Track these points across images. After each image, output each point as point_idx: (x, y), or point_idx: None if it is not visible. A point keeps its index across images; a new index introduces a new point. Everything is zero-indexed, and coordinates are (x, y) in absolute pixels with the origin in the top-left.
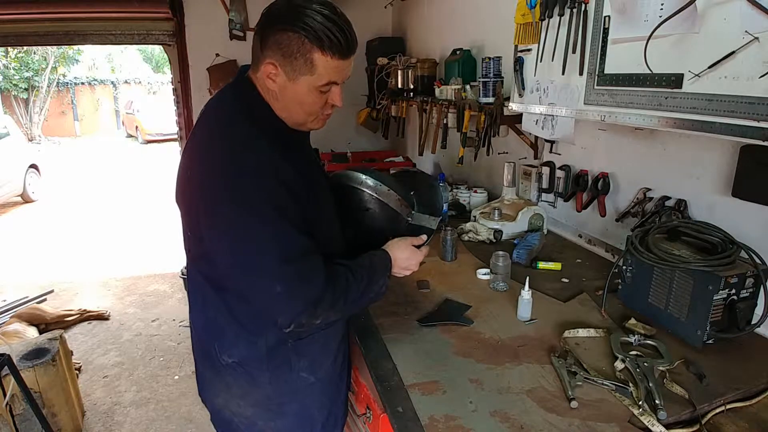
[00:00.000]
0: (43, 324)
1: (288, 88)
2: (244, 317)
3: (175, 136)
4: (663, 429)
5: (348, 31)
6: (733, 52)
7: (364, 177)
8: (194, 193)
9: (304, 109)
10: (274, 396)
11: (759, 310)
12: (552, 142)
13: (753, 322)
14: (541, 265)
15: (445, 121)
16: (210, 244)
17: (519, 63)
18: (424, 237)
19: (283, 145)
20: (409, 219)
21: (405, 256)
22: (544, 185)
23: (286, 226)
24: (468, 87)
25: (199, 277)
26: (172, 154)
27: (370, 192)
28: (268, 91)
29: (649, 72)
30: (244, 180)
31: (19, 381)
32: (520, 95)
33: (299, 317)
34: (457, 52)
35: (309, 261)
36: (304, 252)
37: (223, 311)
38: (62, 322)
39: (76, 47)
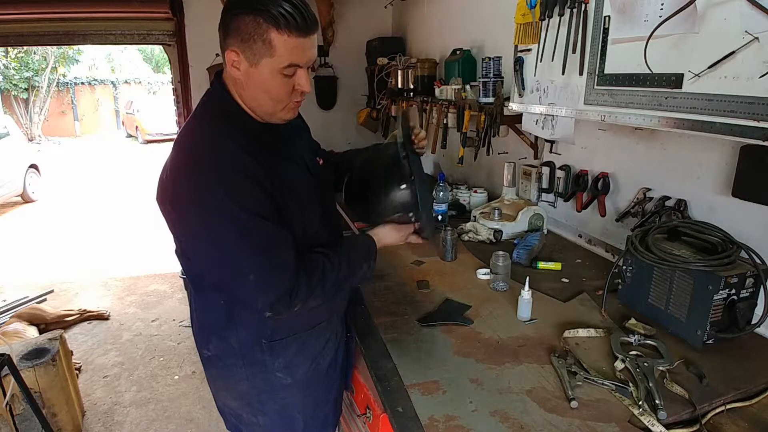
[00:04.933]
0: (43, 324)
1: (251, 74)
2: (216, 314)
3: (175, 136)
4: (663, 429)
5: (303, 8)
6: (733, 52)
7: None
8: (166, 193)
9: (270, 95)
10: (253, 393)
11: (759, 310)
12: (552, 142)
13: (753, 322)
14: (541, 265)
15: (445, 121)
16: (184, 243)
17: (519, 63)
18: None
19: (254, 142)
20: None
21: (392, 232)
22: (544, 185)
23: (252, 218)
24: (468, 87)
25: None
26: None
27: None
28: (235, 82)
29: (649, 72)
30: (208, 176)
31: (19, 381)
32: (520, 95)
33: (275, 305)
34: (457, 52)
35: (280, 252)
36: (274, 243)
37: (199, 307)
38: (62, 322)
39: (76, 47)
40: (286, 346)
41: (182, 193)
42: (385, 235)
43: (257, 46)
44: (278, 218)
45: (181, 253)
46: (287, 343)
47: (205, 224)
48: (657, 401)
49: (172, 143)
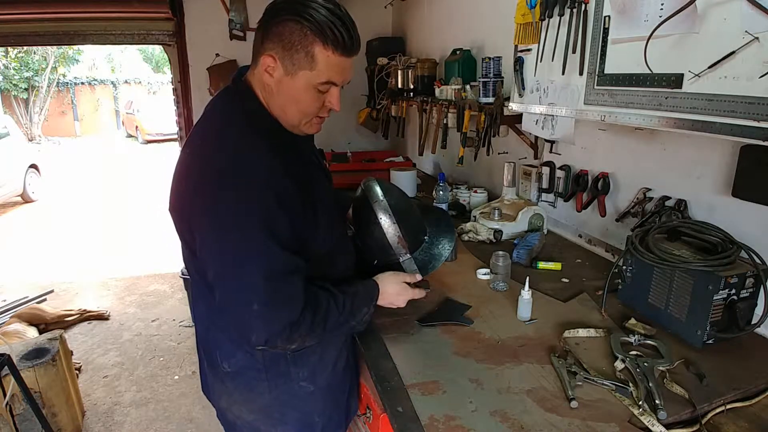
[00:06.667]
0: (43, 324)
1: (285, 83)
2: None
3: (175, 136)
4: (663, 429)
5: (352, 29)
6: (733, 52)
7: (381, 198)
8: (187, 202)
9: (299, 107)
10: (275, 404)
11: (759, 310)
12: (552, 142)
13: (753, 322)
14: (541, 265)
15: (445, 121)
16: (200, 257)
17: (519, 63)
18: (419, 276)
19: (281, 148)
20: (398, 260)
21: (394, 292)
22: (544, 185)
23: (271, 243)
24: (468, 87)
25: (196, 288)
26: (172, 154)
27: (377, 214)
28: (264, 87)
29: (649, 72)
30: (236, 192)
31: (19, 381)
32: (520, 95)
33: (274, 339)
34: (457, 52)
35: (291, 282)
36: (287, 271)
37: (217, 323)
38: (62, 322)
39: (76, 47)
40: (309, 354)
41: (205, 205)
42: (388, 287)
43: (298, 57)
44: (294, 243)
45: (195, 268)
46: (311, 351)
47: (221, 239)
48: (657, 401)
49: (171, 143)
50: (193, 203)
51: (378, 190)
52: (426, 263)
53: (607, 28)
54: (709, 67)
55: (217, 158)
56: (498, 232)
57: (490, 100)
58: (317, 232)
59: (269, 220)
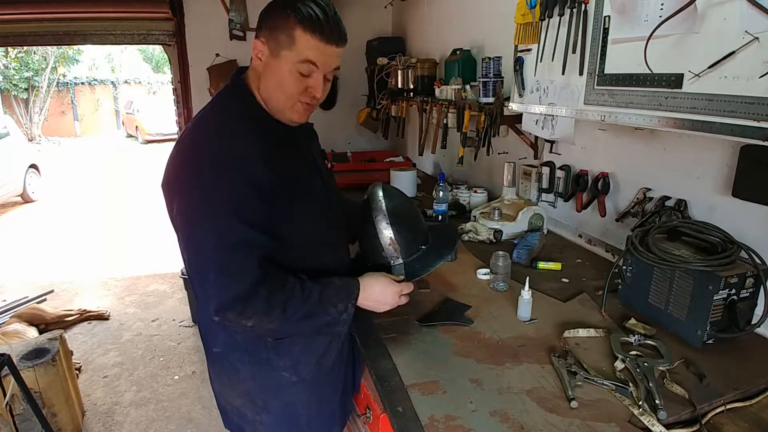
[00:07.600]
0: (43, 324)
1: (270, 64)
2: None
3: (175, 136)
4: (663, 429)
5: (333, 17)
6: (733, 52)
7: (380, 199)
8: (170, 182)
9: (281, 89)
10: (257, 391)
11: (759, 310)
12: (552, 142)
13: (753, 322)
14: (541, 265)
15: (445, 121)
16: (174, 229)
17: (519, 63)
18: (401, 278)
19: (269, 140)
20: (389, 263)
21: (378, 289)
22: (544, 185)
23: (230, 215)
24: (468, 87)
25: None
26: None
27: (373, 213)
28: (256, 74)
29: (649, 72)
30: (208, 167)
31: (19, 381)
32: (520, 95)
33: (224, 309)
34: (457, 52)
35: (243, 253)
36: (240, 242)
37: None
38: (62, 322)
39: (76, 47)
40: (291, 345)
41: (180, 181)
42: (370, 279)
43: (281, 38)
44: (261, 222)
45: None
46: (292, 342)
47: (187, 209)
48: (657, 401)
49: (171, 143)
50: (174, 181)
51: (380, 192)
52: (416, 271)
53: (607, 28)
54: (709, 67)
55: (198, 140)
56: (498, 232)
57: (490, 100)
58: (292, 221)
59: (232, 195)
